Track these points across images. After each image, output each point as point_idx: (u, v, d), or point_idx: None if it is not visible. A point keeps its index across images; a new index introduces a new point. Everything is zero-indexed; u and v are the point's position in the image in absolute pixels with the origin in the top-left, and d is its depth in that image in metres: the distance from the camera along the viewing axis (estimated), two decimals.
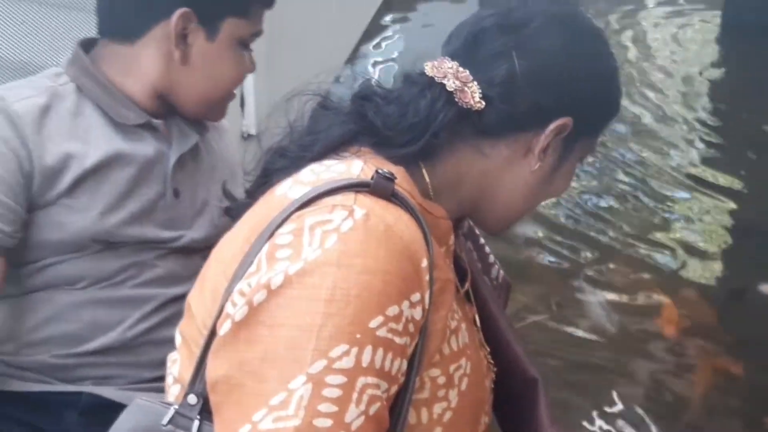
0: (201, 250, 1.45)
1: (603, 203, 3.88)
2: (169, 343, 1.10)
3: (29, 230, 1.35)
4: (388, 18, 5.48)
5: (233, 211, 1.14)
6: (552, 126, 1.08)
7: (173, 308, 1.42)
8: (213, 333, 0.98)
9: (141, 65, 1.42)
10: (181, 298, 1.13)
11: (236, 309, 0.93)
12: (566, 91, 1.09)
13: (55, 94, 1.38)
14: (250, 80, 2.58)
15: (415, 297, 0.95)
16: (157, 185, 1.43)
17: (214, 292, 1.01)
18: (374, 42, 5.17)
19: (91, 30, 1.50)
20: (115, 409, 1.26)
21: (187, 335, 1.06)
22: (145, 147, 1.42)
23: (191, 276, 1.15)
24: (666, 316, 3.12)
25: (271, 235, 0.96)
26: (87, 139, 1.37)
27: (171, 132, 1.46)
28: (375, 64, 4.91)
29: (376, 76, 1.16)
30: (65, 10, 1.87)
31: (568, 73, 1.09)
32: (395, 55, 5.01)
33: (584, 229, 3.67)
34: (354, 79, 1.15)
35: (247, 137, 2.72)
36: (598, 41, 1.14)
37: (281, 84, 2.69)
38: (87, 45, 1.47)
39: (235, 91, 1.53)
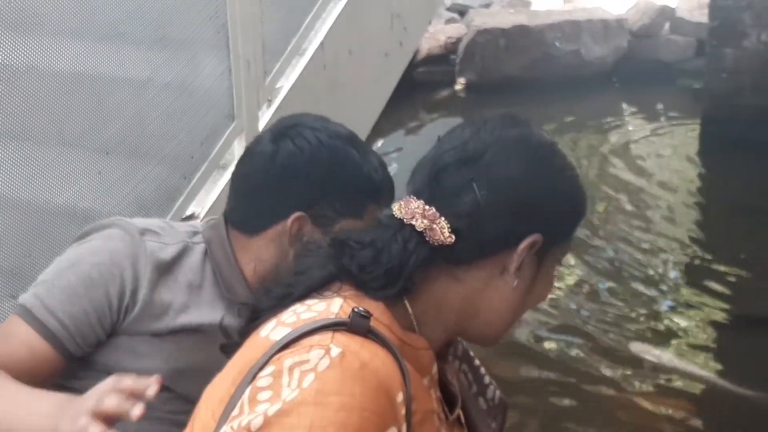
0: None
1: None
2: None
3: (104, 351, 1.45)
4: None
5: (228, 349, 1.19)
6: (522, 245, 1.12)
7: None
8: None
9: (260, 257, 1.55)
10: None
11: None
12: (530, 211, 1.13)
13: (185, 249, 1.52)
14: None
15: (391, 431, 0.99)
16: None
17: None
18: None
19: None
20: None
21: None
22: None
23: None
24: None
25: (254, 378, 1.01)
26: (197, 301, 1.50)
27: None
28: None
29: None
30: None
31: (530, 195, 1.13)
32: None
33: None
34: None
35: None
36: (554, 156, 1.17)
37: None
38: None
39: None
